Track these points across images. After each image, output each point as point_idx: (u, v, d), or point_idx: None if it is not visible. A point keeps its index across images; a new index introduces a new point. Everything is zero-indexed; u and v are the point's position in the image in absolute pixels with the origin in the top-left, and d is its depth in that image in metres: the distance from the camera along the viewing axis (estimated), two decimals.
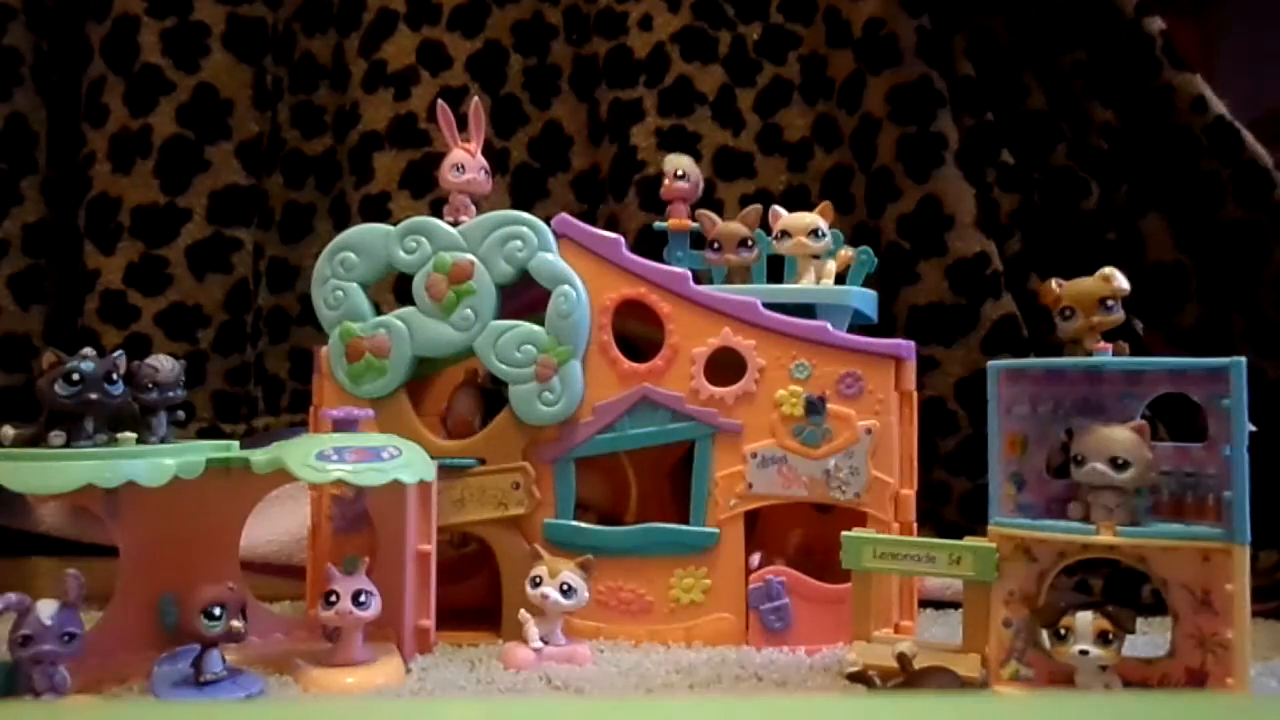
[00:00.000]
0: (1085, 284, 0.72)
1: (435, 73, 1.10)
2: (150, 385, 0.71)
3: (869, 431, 0.79)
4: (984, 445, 0.70)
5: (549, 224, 0.82)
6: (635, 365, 0.82)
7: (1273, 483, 0.76)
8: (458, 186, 0.86)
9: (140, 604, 0.70)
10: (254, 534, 0.89)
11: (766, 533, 0.86)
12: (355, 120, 1.10)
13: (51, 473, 0.63)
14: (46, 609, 0.60)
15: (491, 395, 0.86)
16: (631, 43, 1.10)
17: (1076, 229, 1.06)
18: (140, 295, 1.04)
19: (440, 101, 0.88)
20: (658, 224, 0.93)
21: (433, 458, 0.77)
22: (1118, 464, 0.64)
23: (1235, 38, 1.46)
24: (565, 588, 0.73)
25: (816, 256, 0.85)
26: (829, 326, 0.80)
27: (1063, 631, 0.63)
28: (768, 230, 0.86)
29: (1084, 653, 0.63)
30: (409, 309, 0.83)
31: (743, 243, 0.87)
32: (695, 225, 0.90)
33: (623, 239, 0.83)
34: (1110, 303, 0.71)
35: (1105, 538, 0.65)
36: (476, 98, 0.89)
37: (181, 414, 0.74)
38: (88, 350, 0.66)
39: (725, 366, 0.81)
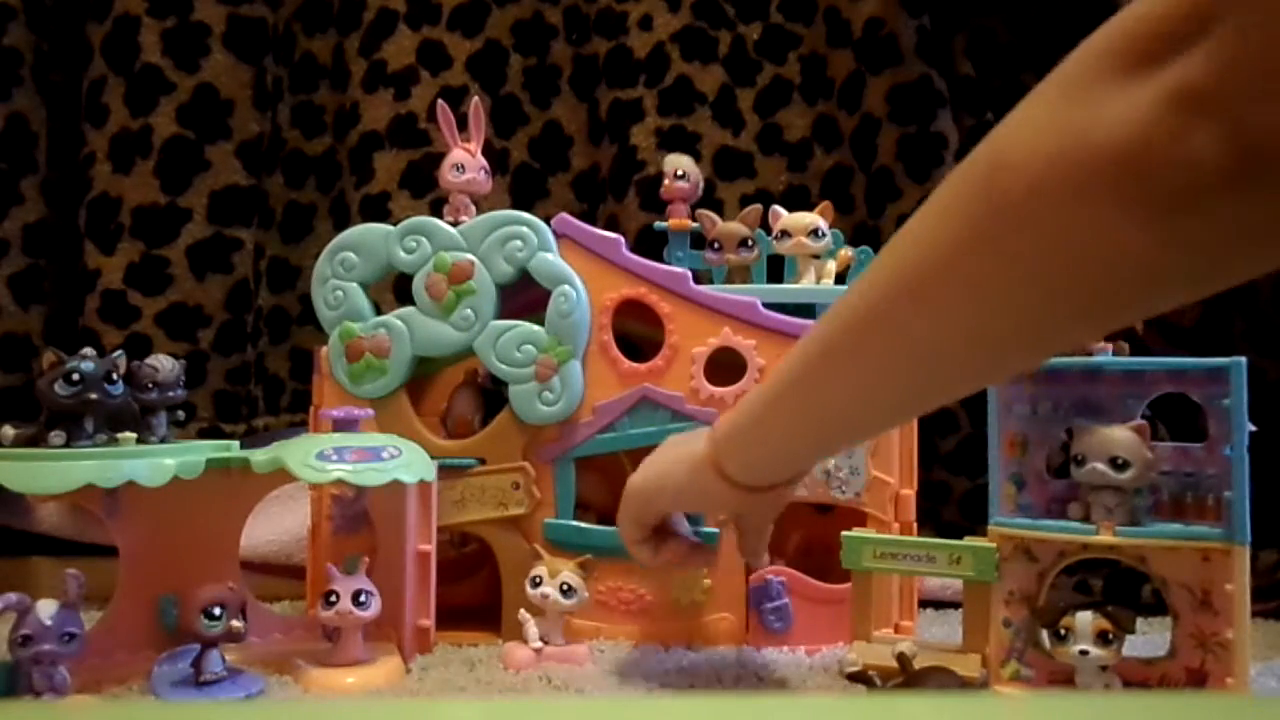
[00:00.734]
0: None
1: (435, 73, 1.10)
2: (150, 385, 0.71)
3: None
4: (984, 445, 0.70)
5: (549, 224, 0.82)
6: (635, 365, 0.82)
7: (1273, 483, 0.76)
8: (458, 186, 0.86)
9: (140, 604, 0.70)
10: (254, 534, 0.90)
11: None
12: (355, 120, 1.10)
13: (51, 473, 0.63)
14: (46, 609, 0.60)
15: (491, 395, 0.86)
16: (631, 43, 1.10)
17: None
18: (140, 295, 1.04)
19: (440, 101, 0.88)
20: (658, 224, 0.93)
21: (433, 458, 0.77)
22: (1118, 464, 0.64)
23: None
24: (565, 588, 0.73)
25: (817, 256, 0.85)
26: None
27: (1063, 631, 0.63)
28: (768, 230, 0.86)
29: (1084, 653, 0.63)
30: (409, 309, 0.83)
31: (743, 243, 0.87)
32: (695, 225, 0.90)
33: (623, 239, 0.83)
34: None
35: (1105, 538, 0.65)
36: (476, 98, 0.89)
37: (181, 414, 0.74)
38: (88, 350, 0.66)
39: (725, 366, 0.81)
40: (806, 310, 0.83)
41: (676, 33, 1.10)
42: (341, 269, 0.84)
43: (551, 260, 0.81)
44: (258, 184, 1.09)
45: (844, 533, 0.73)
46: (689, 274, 0.82)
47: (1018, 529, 0.68)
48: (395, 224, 0.84)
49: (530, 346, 0.81)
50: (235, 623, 0.66)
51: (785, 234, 0.85)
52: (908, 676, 0.65)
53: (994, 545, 0.68)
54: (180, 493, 0.67)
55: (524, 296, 0.83)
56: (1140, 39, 0.39)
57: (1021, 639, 0.68)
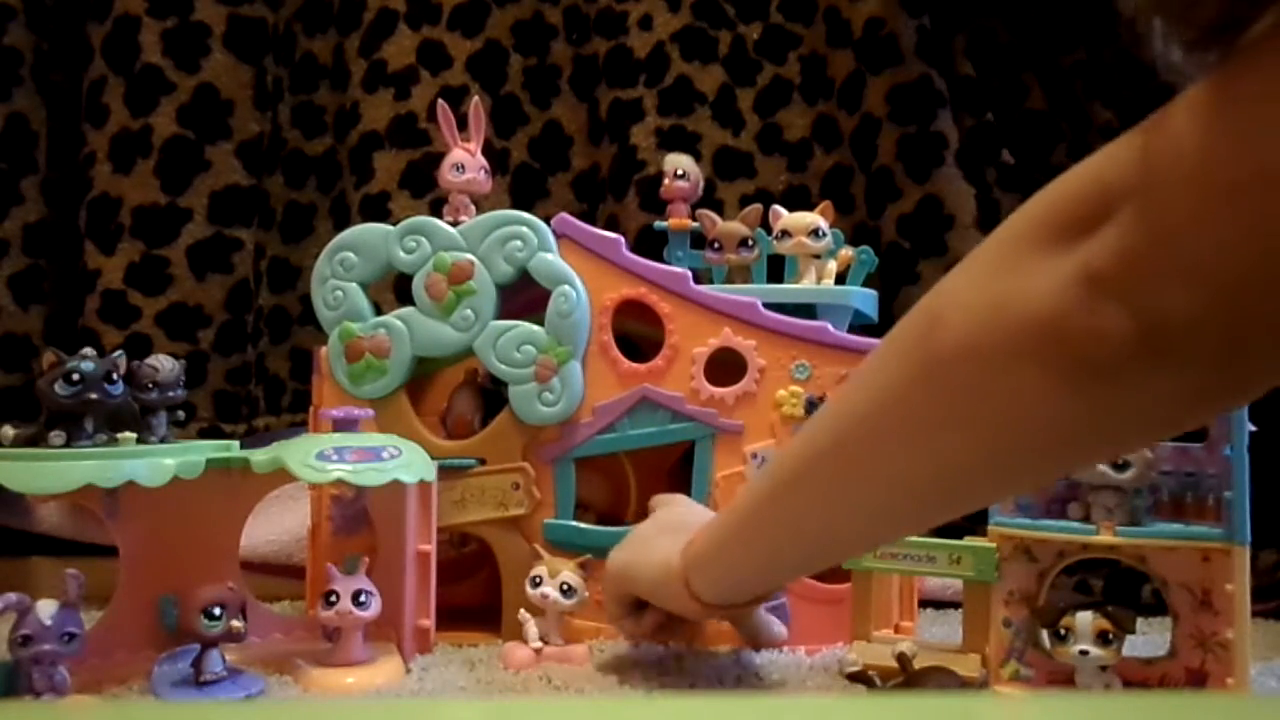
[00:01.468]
0: None
1: (435, 72, 1.10)
2: (150, 385, 0.71)
3: None
4: None
5: (549, 224, 0.82)
6: (635, 365, 0.82)
7: (1273, 483, 0.76)
8: (458, 186, 0.86)
9: (140, 604, 0.70)
10: (254, 534, 0.90)
11: None
12: (355, 120, 1.10)
13: (51, 473, 0.63)
14: (46, 609, 0.60)
15: (491, 395, 0.86)
16: (631, 43, 1.10)
17: None
18: (140, 295, 1.04)
19: (440, 101, 0.88)
20: (658, 224, 0.93)
21: (433, 458, 0.77)
22: (1118, 464, 0.65)
23: None
24: (565, 588, 0.73)
25: (817, 256, 0.85)
26: (829, 326, 0.80)
27: (1063, 631, 0.63)
28: (768, 230, 0.86)
29: (1084, 653, 0.63)
30: (409, 309, 0.83)
31: (743, 242, 0.87)
32: (695, 225, 0.90)
33: (623, 239, 0.83)
34: None
35: (1105, 538, 0.65)
36: (477, 98, 0.89)
37: (181, 414, 0.74)
38: (88, 350, 0.66)
39: (725, 366, 0.81)
40: (807, 310, 0.83)
41: (676, 33, 1.10)
42: (341, 269, 0.84)
43: (551, 260, 0.81)
44: (258, 184, 1.09)
45: None
46: (689, 274, 0.82)
47: (1018, 529, 0.68)
48: (395, 224, 0.84)
49: (530, 347, 0.81)
50: (235, 623, 0.66)
51: (785, 234, 0.84)
52: (908, 676, 0.65)
53: (994, 545, 0.68)
54: (180, 493, 0.67)
55: (524, 296, 0.83)
56: (1060, 214, 0.42)
57: (1021, 639, 0.68)
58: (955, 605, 0.86)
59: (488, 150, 0.88)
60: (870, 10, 1.06)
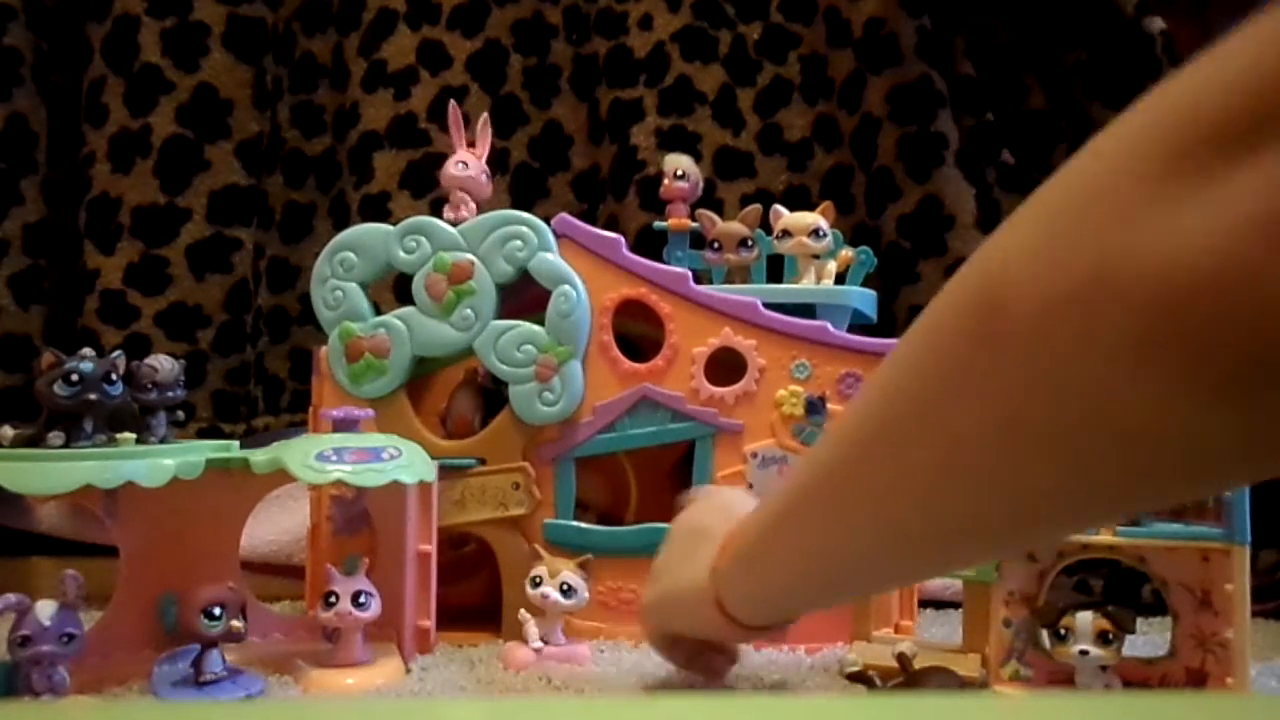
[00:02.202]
0: None
1: (435, 72, 1.10)
2: (150, 385, 0.71)
3: None
4: None
5: (549, 224, 0.82)
6: (635, 365, 0.82)
7: (1273, 483, 0.76)
8: (459, 181, 0.85)
9: (140, 604, 0.70)
10: (254, 534, 0.89)
11: None
12: (355, 120, 1.10)
13: (51, 473, 0.63)
14: (46, 609, 0.60)
15: (491, 395, 0.86)
16: (631, 43, 1.10)
17: None
18: (140, 295, 1.04)
19: (452, 102, 0.88)
20: (658, 224, 0.93)
21: (433, 458, 0.77)
22: None
23: None
24: (565, 588, 0.73)
25: (817, 256, 0.85)
26: (829, 326, 0.80)
27: (1063, 631, 0.63)
28: (768, 230, 0.86)
29: (1084, 653, 0.63)
30: (409, 309, 0.83)
31: (743, 243, 0.87)
32: (695, 225, 0.90)
33: (623, 239, 0.83)
34: None
35: (1105, 538, 0.65)
36: (486, 114, 0.89)
37: (181, 414, 0.74)
38: (87, 350, 0.66)
39: (725, 366, 0.81)
40: (807, 310, 0.83)
41: (676, 33, 1.10)
42: (341, 269, 0.84)
43: (551, 260, 0.81)
44: (257, 184, 1.09)
45: None
46: (689, 274, 0.82)
47: None
48: (395, 224, 0.84)
49: (530, 346, 0.81)
50: (235, 623, 0.66)
51: (785, 234, 0.84)
52: (908, 676, 0.65)
53: None
54: (180, 493, 0.67)
55: (524, 296, 0.83)
56: (1189, 140, 0.28)
57: (1021, 639, 0.67)
58: (955, 605, 0.87)
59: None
60: (870, 10, 1.06)
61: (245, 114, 1.07)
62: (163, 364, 0.72)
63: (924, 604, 0.91)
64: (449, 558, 0.92)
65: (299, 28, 1.13)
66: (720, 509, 0.60)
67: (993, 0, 1.08)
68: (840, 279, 0.88)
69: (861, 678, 0.67)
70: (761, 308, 0.80)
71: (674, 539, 0.63)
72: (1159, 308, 0.28)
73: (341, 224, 1.07)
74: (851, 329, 0.84)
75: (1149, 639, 0.76)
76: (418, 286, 0.82)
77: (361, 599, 0.69)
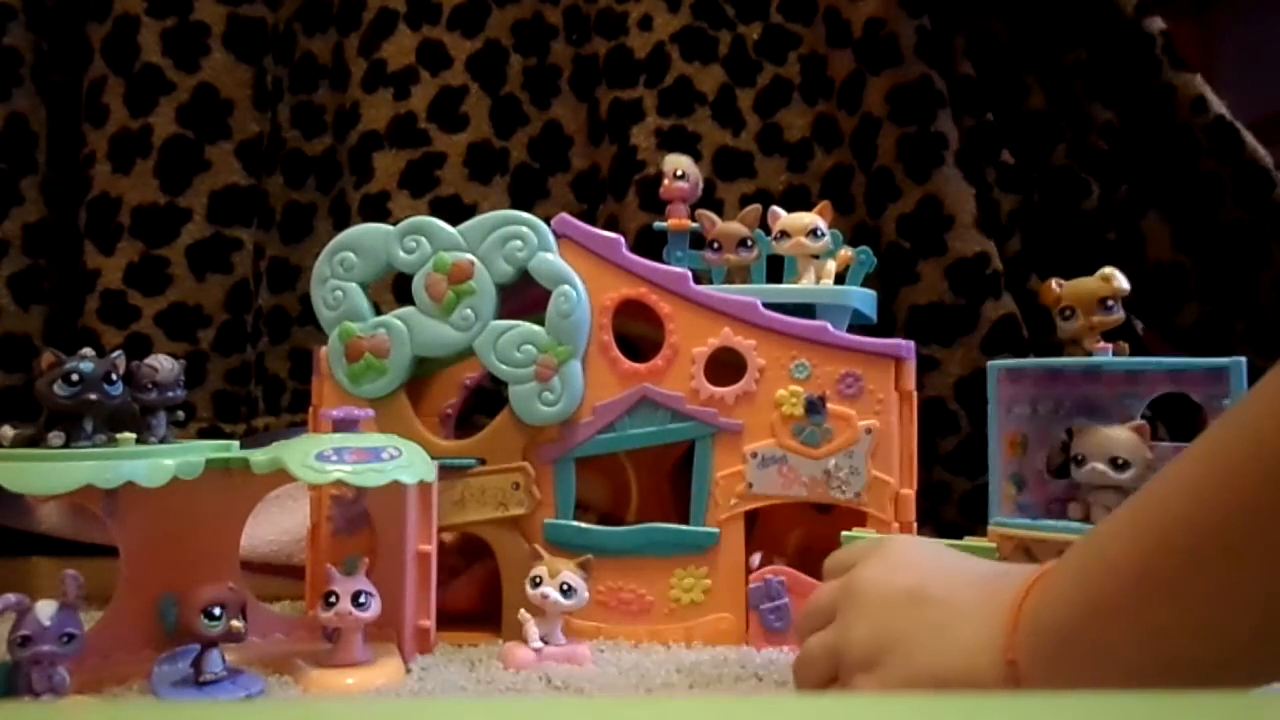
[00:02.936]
0: (1085, 284, 0.72)
1: (435, 72, 1.10)
2: (150, 385, 0.71)
3: (869, 431, 0.79)
4: (984, 445, 0.70)
5: (549, 224, 0.82)
6: (635, 365, 0.82)
7: None
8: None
9: (140, 604, 0.70)
10: (254, 534, 0.89)
11: (766, 533, 0.86)
12: (355, 120, 1.10)
13: (51, 473, 0.63)
14: (46, 609, 0.60)
15: (492, 395, 0.86)
16: (631, 43, 1.10)
17: (1076, 229, 1.06)
18: (140, 295, 1.04)
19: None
20: (658, 224, 0.93)
21: (433, 458, 0.77)
22: (1118, 464, 0.65)
23: (1235, 38, 1.47)
24: (565, 588, 0.73)
25: (816, 256, 0.85)
26: (829, 326, 0.80)
27: None
28: (768, 230, 0.86)
29: None
30: (409, 309, 0.83)
31: (742, 243, 0.87)
32: (695, 225, 0.90)
33: (623, 239, 0.83)
34: (1110, 303, 0.71)
35: None
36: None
37: (181, 414, 0.74)
38: (87, 350, 0.66)
39: (725, 366, 0.81)
40: (806, 310, 0.83)
41: (676, 33, 1.10)
42: (341, 269, 0.84)
43: (551, 260, 0.81)
44: (257, 184, 1.09)
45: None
46: (689, 274, 0.82)
47: (1018, 529, 0.68)
48: (395, 224, 0.84)
49: (530, 346, 0.81)
50: (235, 623, 0.66)
51: (783, 235, 0.85)
52: None
53: (994, 545, 0.68)
54: (180, 493, 0.67)
55: (524, 296, 0.83)
56: None
57: None
58: None
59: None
60: (870, 10, 1.06)
61: (245, 114, 1.07)
62: (163, 364, 0.72)
63: None
64: (446, 564, 0.92)
65: (299, 28, 1.13)
66: (942, 573, 0.52)
67: (993, 0, 1.08)
68: (840, 279, 0.88)
69: None
70: (761, 308, 0.80)
71: (881, 605, 0.52)
72: None
73: (341, 224, 1.07)
74: (851, 329, 0.84)
75: None
76: (418, 286, 0.82)
77: (361, 599, 0.69)
